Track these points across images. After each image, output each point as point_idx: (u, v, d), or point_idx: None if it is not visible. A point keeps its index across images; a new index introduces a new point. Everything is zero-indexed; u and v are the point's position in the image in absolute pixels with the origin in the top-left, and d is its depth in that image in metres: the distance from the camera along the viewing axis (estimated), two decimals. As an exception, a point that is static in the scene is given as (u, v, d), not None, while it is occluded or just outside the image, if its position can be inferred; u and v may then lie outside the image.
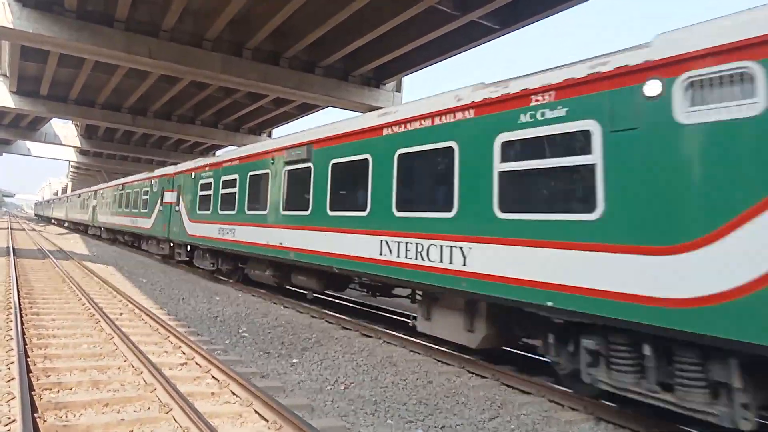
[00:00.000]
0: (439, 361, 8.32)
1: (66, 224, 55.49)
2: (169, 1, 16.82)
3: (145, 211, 23.02)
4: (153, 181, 22.12)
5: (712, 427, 4.97)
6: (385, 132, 8.67)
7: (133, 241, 28.07)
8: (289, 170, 11.51)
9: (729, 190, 4.62)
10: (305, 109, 30.49)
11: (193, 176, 17.39)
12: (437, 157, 7.71)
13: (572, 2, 15.45)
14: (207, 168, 16.20)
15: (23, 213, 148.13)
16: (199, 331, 9.42)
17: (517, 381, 7.17)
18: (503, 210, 6.61)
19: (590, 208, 5.65)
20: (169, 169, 20.61)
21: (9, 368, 6.05)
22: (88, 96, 29.76)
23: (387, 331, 9.83)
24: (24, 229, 47.00)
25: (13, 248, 21.92)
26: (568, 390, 6.64)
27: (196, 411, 4.92)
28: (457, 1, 15.92)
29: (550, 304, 5.93)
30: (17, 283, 12.08)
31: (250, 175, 13.29)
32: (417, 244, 7.80)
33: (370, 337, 9.83)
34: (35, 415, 4.73)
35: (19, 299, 10.10)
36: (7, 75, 27.26)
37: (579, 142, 5.86)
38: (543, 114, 6.24)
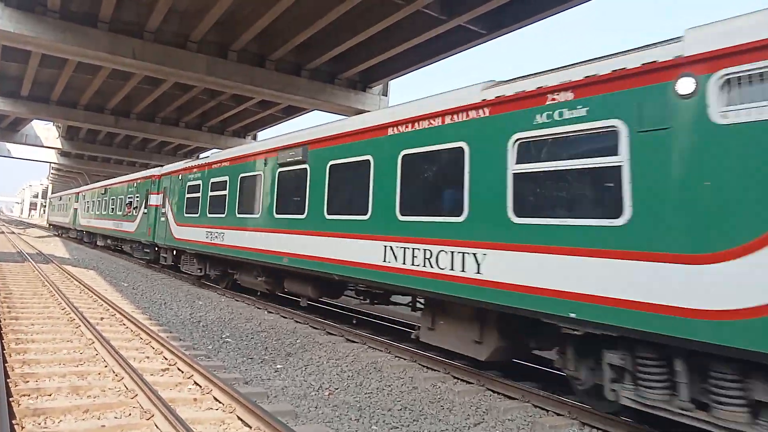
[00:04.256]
0: (424, 366, 8.30)
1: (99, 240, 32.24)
2: (154, 1, 16.68)
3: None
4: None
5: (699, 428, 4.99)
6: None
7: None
8: None
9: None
10: (291, 111, 30.43)
11: None
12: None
13: (560, 8, 15.59)
14: None
15: (3, 216, 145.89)
16: (181, 336, 9.32)
17: (503, 386, 7.17)
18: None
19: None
20: None
21: (-14, 374, 5.91)
22: (71, 97, 29.39)
23: (372, 336, 9.79)
24: (3, 232, 46.25)
25: (-8, 251, 21.52)
26: (552, 395, 6.66)
27: (177, 417, 4.85)
28: (444, 5, 15.97)
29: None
30: (-5, 286, 11.87)
31: None
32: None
33: (354, 342, 9.79)
34: (13, 421, 4.63)
35: (-3, 303, 9.90)
36: (-13, 75, 26.82)
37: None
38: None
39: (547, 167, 5.99)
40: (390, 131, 8.36)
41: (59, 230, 48.66)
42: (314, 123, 11.91)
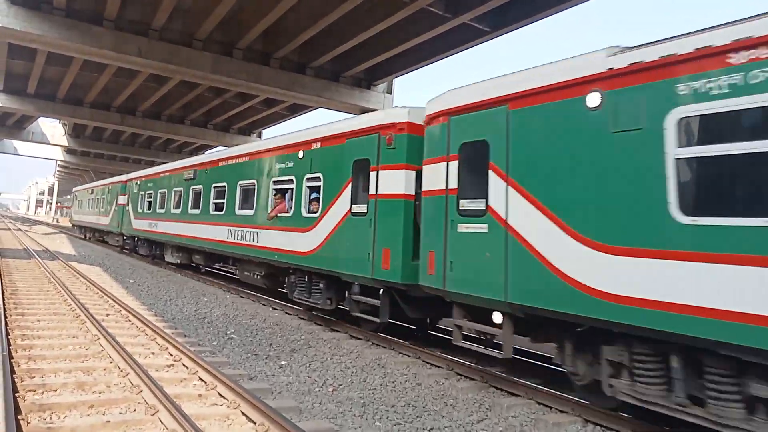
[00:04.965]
0: (427, 363, 8.31)
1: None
2: (159, 0, 16.73)
3: None
4: None
5: (700, 429, 4.97)
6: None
7: None
8: None
9: None
10: (296, 109, 30.46)
11: None
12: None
13: (562, 6, 15.55)
14: None
15: (9, 213, 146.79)
16: (186, 332, 9.35)
17: (506, 383, 7.18)
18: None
19: None
20: None
21: (-8, 369, 5.95)
22: (77, 95, 29.50)
23: (376, 333, 9.80)
24: (9, 229, 46.49)
25: (-1, 248, 21.60)
26: (556, 392, 6.66)
27: (182, 413, 4.88)
28: (448, 3, 15.95)
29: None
30: (1, 283, 11.94)
31: None
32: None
33: (359, 339, 9.81)
34: (19, 417, 4.66)
35: (3, 300, 9.97)
36: (-6, 73, 26.96)
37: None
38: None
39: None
40: None
41: (88, 233, 36.70)
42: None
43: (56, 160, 63.77)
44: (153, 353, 7.45)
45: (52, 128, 43.90)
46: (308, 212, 10.76)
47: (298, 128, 11.49)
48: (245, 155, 14.00)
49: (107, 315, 9.89)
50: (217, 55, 19.68)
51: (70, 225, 48.78)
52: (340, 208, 9.77)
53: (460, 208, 7.15)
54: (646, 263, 5.02)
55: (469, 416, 6.12)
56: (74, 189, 45.74)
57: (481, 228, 6.80)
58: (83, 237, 37.81)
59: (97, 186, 33.08)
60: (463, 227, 7.07)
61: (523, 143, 6.45)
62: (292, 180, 11.44)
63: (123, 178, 26.20)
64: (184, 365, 6.85)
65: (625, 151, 5.35)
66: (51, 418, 4.94)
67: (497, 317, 6.65)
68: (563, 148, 5.98)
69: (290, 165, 11.60)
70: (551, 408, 6.46)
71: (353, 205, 9.46)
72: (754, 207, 4.46)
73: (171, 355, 7.32)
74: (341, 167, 9.85)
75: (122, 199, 25.34)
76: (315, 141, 10.87)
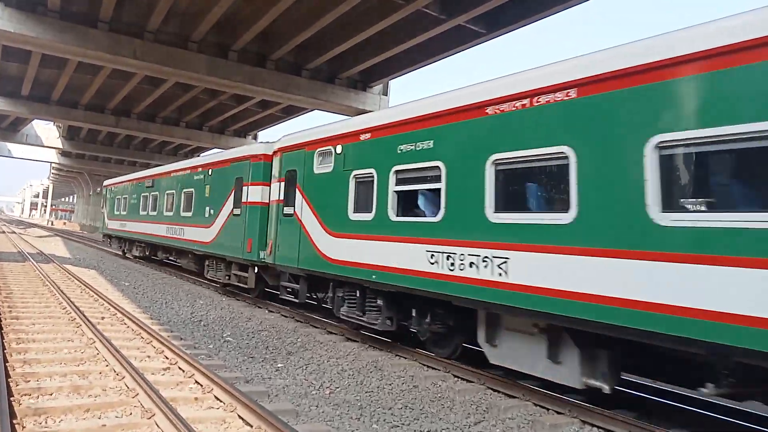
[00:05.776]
0: (424, 365, 8.31)
1: None
2: (154, 1, 16.70)
3: None
4: None
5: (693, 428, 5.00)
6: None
7: None
8: None
9: None
10: (291, 111, 30.47)
11: None
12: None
13: (559, 8, 15.60)
14: None
15: (3, 216, 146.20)
16: (182, 335, 9.32)
17: (503, 385, 7.18)
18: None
19: None
20: None
21: (-13, 373, 5.91)
22: (71, 97, 29.41)
23: (372, 335, 9.79)
24: (3, 232, 46.28)
25: (-7, 251, 21.45)
26: (553, 394, 6.66)
27: (179, 416, 4.86)
28: (444, 5, 15.99)
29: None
30: (-4, 286, 11.87)
31: None
32: None
33: (355, 341, 9.79)
34: (14, 421, 4.63)
35: (-2, 303, 9.91)
36: (-12, 75, 26.86)
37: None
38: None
39: None
40: None
41: (136, 250, 23.57)
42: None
43: (50, 163, 63.46)
44: (149, 356, 7.42)
45: (47, 130, 43.75)
46: None
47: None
48: None
49: (102, 318, 9.85)
50: (213, 57, 19.67)
51: (101, 236, 33.29)
52: None
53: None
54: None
55: (466, 418, 6.12)
56: (106, 182, 29.70)
57: None
58: (121, 254, 26.11)
59: (166, 173, 19.50)
60: None
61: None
62: None
63: (255, 149, 13.44)
64: (180, 368, 6.83)
65: None
66: (46, 422, 4.91)
67: None
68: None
69: None
70: (548, 410, 6.47)
71: None
72: None
73: (167, 358, 7.29)
74: None
75: (256, 194, 12.69)
76: None
